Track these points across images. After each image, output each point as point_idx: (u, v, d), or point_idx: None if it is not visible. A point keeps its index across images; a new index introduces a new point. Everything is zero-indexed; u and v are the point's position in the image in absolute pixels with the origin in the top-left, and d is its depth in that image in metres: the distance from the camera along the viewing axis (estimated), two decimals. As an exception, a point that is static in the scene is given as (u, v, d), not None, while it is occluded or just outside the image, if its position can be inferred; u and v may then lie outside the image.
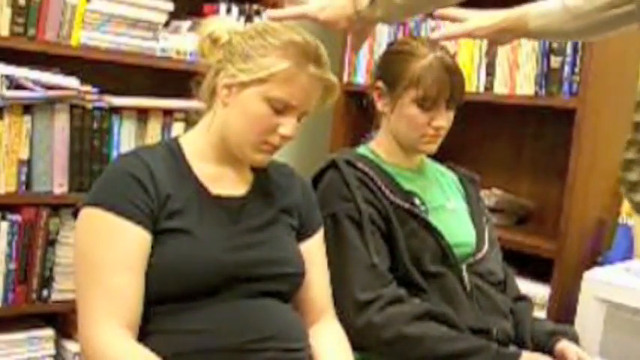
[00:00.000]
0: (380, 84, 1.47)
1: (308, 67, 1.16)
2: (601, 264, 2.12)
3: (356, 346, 1.31)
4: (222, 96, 1.19)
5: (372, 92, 1.50)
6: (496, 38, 1.39)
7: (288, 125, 1.17)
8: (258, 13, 2.31)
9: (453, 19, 1.38)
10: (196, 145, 1.23)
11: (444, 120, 1.42)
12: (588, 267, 2.01)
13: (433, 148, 1.46)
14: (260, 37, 1.18)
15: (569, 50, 2.07)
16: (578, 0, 1.25)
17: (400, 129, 1.45)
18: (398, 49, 1.44)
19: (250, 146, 1.19)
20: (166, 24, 2.14)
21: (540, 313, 2.04)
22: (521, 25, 1.34)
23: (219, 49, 1.21)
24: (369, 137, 1.56)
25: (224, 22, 1.25)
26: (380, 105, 1.48)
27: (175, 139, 1.26)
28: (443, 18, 1.40)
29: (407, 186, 1.46)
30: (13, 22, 1.83)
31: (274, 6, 2.33)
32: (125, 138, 2.05)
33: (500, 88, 2.28)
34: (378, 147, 1.52)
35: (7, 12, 1.82)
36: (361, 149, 1.54)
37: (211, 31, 1.22)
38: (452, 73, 1.41)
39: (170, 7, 2.09)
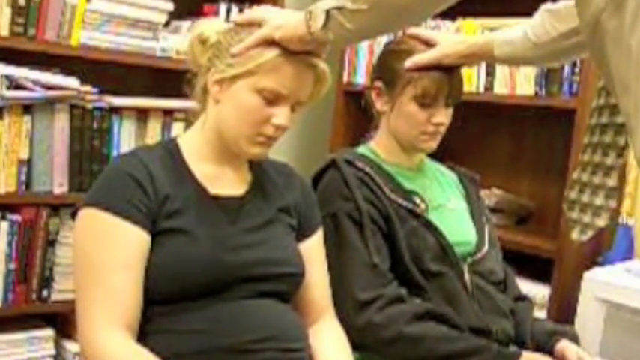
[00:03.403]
0: (379, 83, 1.47)
1: (294, 55, 1.16)
2: (601, 264, 2.13)
3: (356, 346, 1.31)
4: (214, 92, 1.19)
5: (370, 92, 1.50)
6: (463, 63, 1.45)
7: (281, 115, 1.17)
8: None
9: (424, 42, 1.43)
10: (194, 145, 1.24)
11: (444, 117, 1.43)
12: (588, 267, 2.01)
13: (433, 146, 1.47)
14: (245, 32, 1.18)
15: (569, 50, 2.07)
16: (537, 30, 1.34)
17: (400, 127, 1.45)
18: (396, 49, 1.45)
19: (245, 139, 1.18)
20: (166, 24, 2.14)
21: (540, 313, 2.04)
22: (487, 52, 1.42)
23: (208, 49, 1.21)
24: (369, 137, 1.57)
25: (212, 23, 1.25)
26: (379, 104, 1.48)
27: (174, 140, 1.26)
28: (413, 38, 1.45)
29: (407, 185, 1.46)
30: (13, 22, 1.83)
31: (274, 6, 2.33)
32: (125, 138, 2.05)
33: (500, 88, 2.28)
34: (377, 147, 1.52)
35: (7, 12, 1.82)
36: (361, 149, 1.54)
37: (200, 32, 1.22)
38: (449, 70, 1.41)
39: (170, 7, 2.09)
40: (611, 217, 1.27)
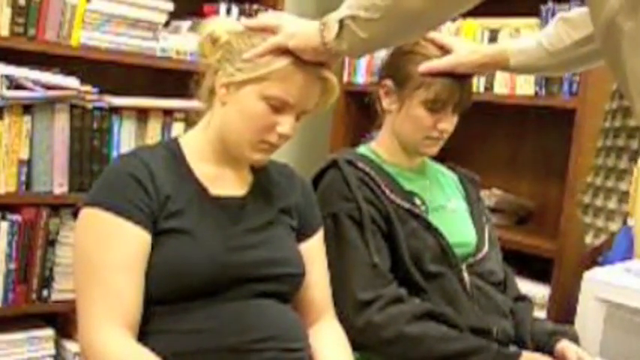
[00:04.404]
0: (388, 82, 1.46)
1: (305, 65, 1.16)
2: (601, 264, 2.12)
3: (356, 346, 1.31)
4: (221, 95, 1.19)
5: (377, 89, 1.49)
6: (476, 72, 1.46)
7: (286, 124, 1.17)
8: (258, 13, 2.30)
9: (440, 47, 1.43)
10: (196, 145, 1.23)
11: (449, 123, 1.43)
12: (588, 267, 2.01)
13: (434, 150, 1.47)
14: (258, 36, 1.18)
15: (569, 50, 2.07)
16: (552, 39, 1.35)
17: (404, 129, 1.45)
18: (409, 49, 1.44)
19: (248, 145, 1.18)
20: (166, 24, 2.14)
21: (540, 313, 2.04)
22: (502, 61, 1.42)
23: (218, 49, 1.21)
24: (370, 137, 1.56)
25: (223, 23, 1.25)
26: (386, 103, 1.47)
27: (175, 140, 1.26)
28: (428, 41, 1.44)
29: (407, 186, 1.46)
30: (13, 22, 1.83)
31: (274, 6, 2.33)
32: (125, 138, 2.05)
33: (500, 88, 2.28)
34: (379, 147, 1.52)
35: (7, 12, 1.82)
36: (362, 149, 1.54)
37: (211, 31, 1.22)
38: (462, 78, 1.41)
39: (170, 7, 2.09)
40: (624, 220, 1.27)
